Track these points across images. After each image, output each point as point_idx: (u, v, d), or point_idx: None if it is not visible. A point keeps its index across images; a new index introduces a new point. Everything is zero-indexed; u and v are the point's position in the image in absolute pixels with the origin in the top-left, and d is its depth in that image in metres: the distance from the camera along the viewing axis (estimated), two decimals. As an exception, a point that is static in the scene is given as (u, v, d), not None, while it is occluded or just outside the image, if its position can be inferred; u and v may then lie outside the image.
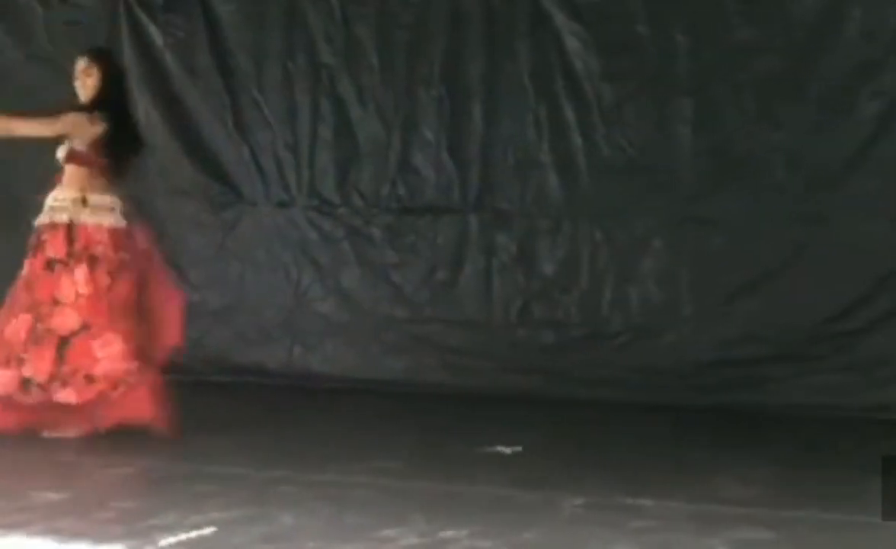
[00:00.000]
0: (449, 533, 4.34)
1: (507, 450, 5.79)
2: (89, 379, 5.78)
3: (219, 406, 7.07)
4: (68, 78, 7.97)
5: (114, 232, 5.97)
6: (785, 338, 6.88)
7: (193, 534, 4.27)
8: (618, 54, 7.26)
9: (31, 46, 8.11)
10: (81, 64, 6.08)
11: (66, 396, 5.75)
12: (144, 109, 7.88)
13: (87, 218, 5.93)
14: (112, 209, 6.00)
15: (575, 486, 5.09)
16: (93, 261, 5.88)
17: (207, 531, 4.31)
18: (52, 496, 4.79)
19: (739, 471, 5.43)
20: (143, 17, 7.94)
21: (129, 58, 7.91)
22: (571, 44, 7.31)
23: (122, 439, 6.05)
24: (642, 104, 7.23)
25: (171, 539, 4.21)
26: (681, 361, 7.02)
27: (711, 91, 7.11)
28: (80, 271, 5.85)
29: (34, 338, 5.78)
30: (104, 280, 5.88)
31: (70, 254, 5.88)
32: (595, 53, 7.28)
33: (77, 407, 5.78)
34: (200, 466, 5.40)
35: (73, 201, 5.94)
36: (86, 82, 6.03)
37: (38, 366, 5.75)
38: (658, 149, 7.21)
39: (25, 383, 5.76)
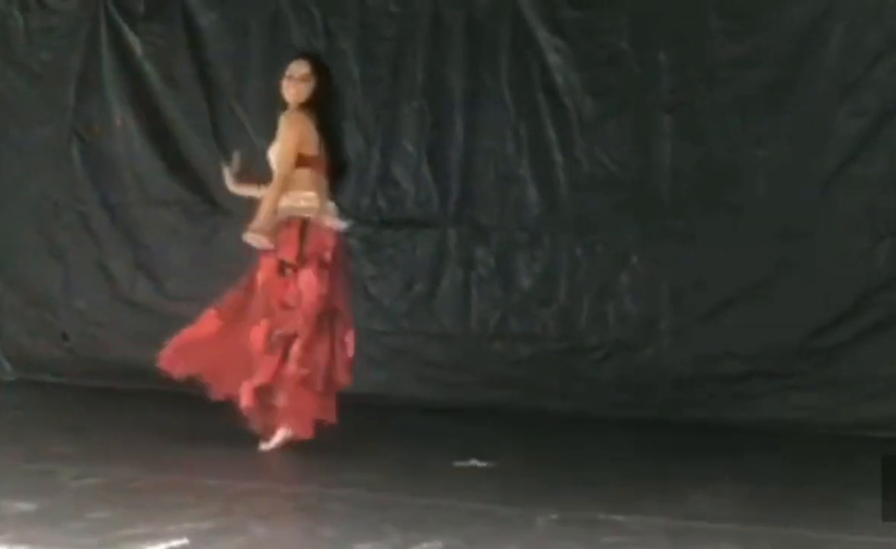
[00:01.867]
0: (423, 546, 4.33)
1: (482, 463, 5.77)
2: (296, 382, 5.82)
3: (194, 418, 7.04)
4: (45, 83, 8.05)
5: (338, 236, 5.93)
6: (764, 354, 6.88)
7: (166, 545, 4.25)
8: (599, 70, 7.26)
9: (10, 52, 8.07)
10: (301, 69, 5.89)
11: (280, 400, 5.80)
12: (122, 118, 7.88)
13: (319, 221, 5.85)
14: (335, 213, 5.94)
15: (550, 500, 5.08)
16: (321, 265, 5.83)
17: (180, 542, 4.29)
18: (24, 506, 4.75)
19: (716, 487, 5.43)
20: (123, 26, 7.91)
21: (107, 66, 7.90)
22: (553, 58, 7.32)
23: (95, 449, 6.02)
24: (623, 120, 7.24)
25: (144, 550, 4.18)
26: (659, 376, 7.02)
27: (692, 107, 7.12)
28: (306, 275, 5.81)
29: (270, 346, 5.78)
30: (325, 286, 5.84)
31: (299, 256, 5.81)
32: (576, 68, 7.28)
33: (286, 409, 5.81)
34: (175, 477, 5.38)
35: (306, 203, 5.85)
36: (301, 88, 5.86)
37: (266, 372, 5.78)
38: (638, 164, 7.21)
39: (259, 393, 5.80)
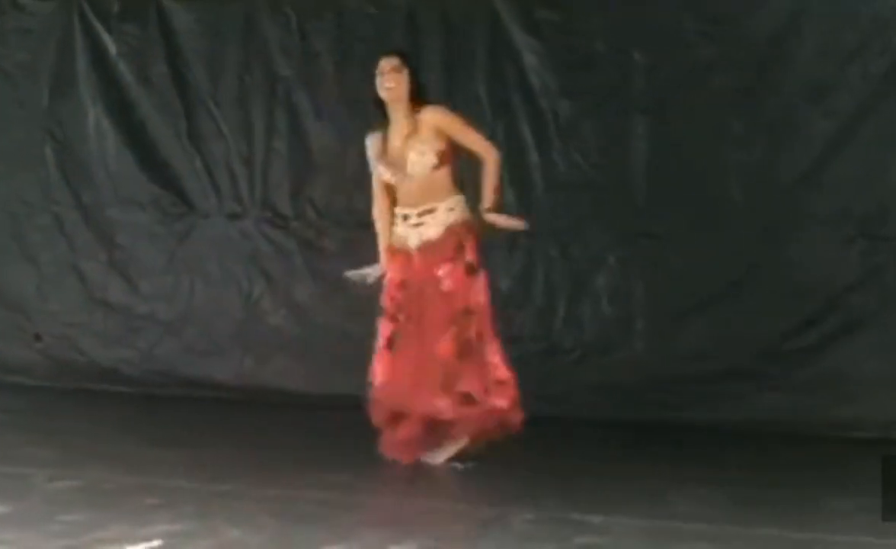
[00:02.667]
0: (395, 547, 4.32)
1: (460, 466, 5.76)
2: (499, 384, 5.74)
3: (168, 419, 7.03)
4: (19, 84, 8.00)
5: None
6: (738, 355, 6.89)
7: (139, 547, 4.23)
8: (575, 71, 7.26)
9: (-16, 52, 8.04)
10: (391, 63, 5.83)
11: (499, 403, 5.71)
12: (96, 117, 7.84)
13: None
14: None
15: (526, 501, 5.09)
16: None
17: (153, 544, 4.27)
18: (-4, 508, 4.73)
19: (690, 487, 5.44)
20: (98, 26, 7.87)
21: (82, 66, 7.86)
22: (529, 59, 7.32)
23: (68, 451, 5.99)
24: (599, 121, 7.24)
25: (116, 553, 4.17)
26: (634, 377, 7.02)
27: (667, 109, 7.13)
28: (483, 278, 5.79)
29: (462, 353, 5.68)
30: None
31: (478, 257, 5.80)
32: (552, 69, 7.28)
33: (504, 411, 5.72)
34: (148, 479, 5.36)
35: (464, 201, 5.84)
36: (399, 80, 5.80)
37: (472, 382, 5.68)
38: (614, 166, 7.21)
39: (466, 399, 5.68)
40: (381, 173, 5.91)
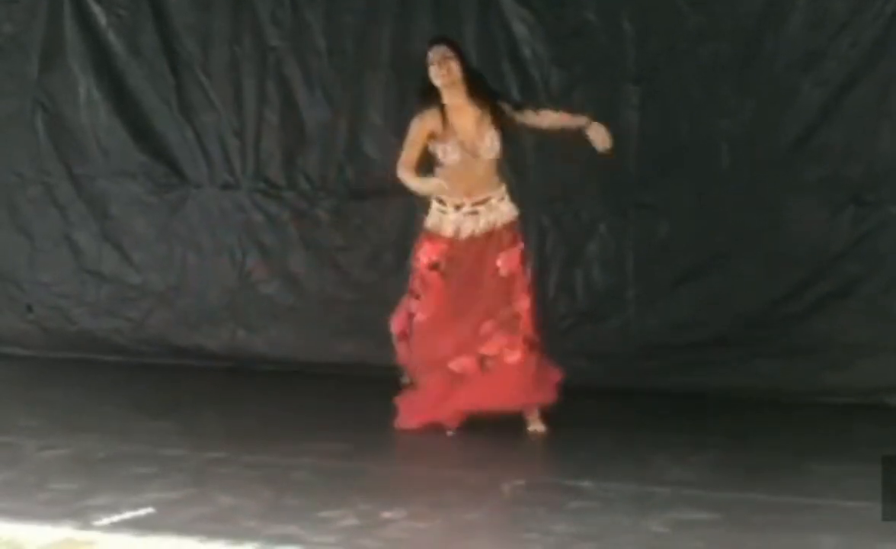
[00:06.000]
0: (389, 514, 4.35)
1: (450, 432, 5.79)
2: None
3: (160, 389, 7.04)
4: (8, 56, 7.97)
5: None
6: (728, 322, 6.90)
7: (131, 514, 4.25)
8: (565, 40, 7.25)
9: (-30, 23, 8.00)
10: (441, 51, 5.97)
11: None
12: (87, 88, 7.82)
13: None
14: None
15: (517, 467, 5.12)
16: None
17: (145, 511, 4.30)
18: (-11, 477, 4.75)
19: (680, 453, 5.47)
20: (87, -4, 7.85)
21: (71, 37, 7.84)
22: (519, 29, 7.30)
23: (60, 420, 6.01)
24: (589, 90, 7.22)
25: (109, 519, 4.19)
26: (625, 345, 7.03)
27: (658, 78, 7.12)
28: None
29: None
30: None
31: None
32: (543, 39, 7.27)
33: None
34: (140, 447, 5.39)
35: None
36: (452, 66, 5.94)
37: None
38: (605, 135, 7.20)
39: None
40: (446, 153, 5.97)
